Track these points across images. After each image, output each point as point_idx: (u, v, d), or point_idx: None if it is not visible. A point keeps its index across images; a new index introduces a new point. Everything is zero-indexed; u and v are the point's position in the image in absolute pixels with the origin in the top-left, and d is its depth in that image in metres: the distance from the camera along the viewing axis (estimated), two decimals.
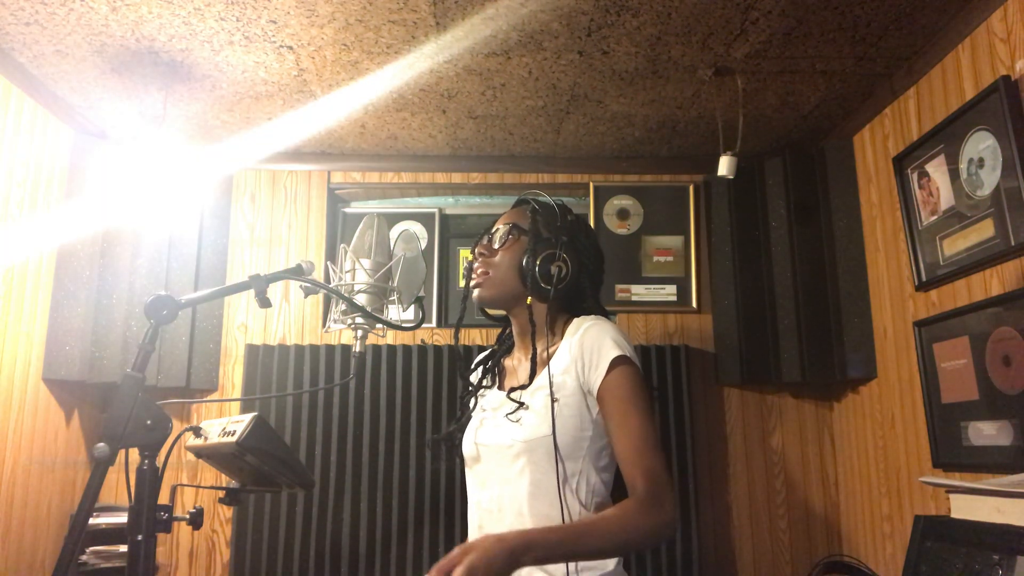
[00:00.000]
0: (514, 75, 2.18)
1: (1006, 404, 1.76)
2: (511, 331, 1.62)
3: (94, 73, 2.16)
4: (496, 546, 1.10)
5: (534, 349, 1.49)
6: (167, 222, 2.53)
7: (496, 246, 1.53)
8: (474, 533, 1.47)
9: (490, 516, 1.44)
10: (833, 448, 2.65)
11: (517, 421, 1.41)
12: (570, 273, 1.47)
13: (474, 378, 1.66)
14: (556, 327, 1.51)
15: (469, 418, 1.58)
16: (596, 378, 1.36)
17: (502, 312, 1.61)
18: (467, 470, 1.54)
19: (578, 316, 1.50)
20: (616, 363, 1.36)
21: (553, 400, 1.37)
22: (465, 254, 2.83)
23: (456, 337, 1.67)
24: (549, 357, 1.47)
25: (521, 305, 1.52)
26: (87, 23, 1.91)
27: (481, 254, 1.54)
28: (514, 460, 1.39)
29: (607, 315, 1.54)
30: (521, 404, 1.42)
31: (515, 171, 2.81)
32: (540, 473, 1.37)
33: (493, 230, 1.57)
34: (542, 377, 1.43)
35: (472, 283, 1.54)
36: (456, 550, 1.09)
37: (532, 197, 1.59)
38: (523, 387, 1.45)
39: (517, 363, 1.57)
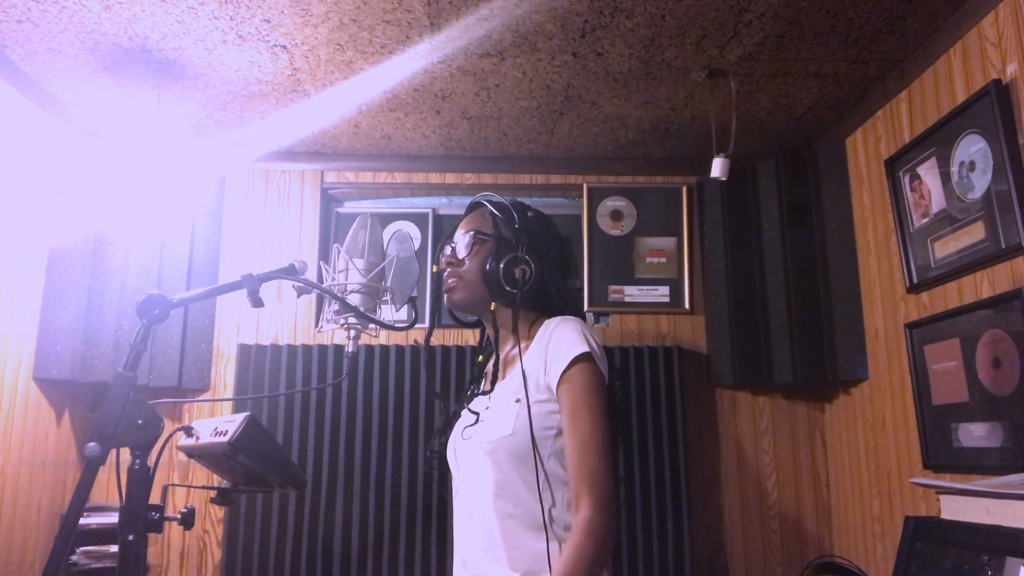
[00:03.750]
0: (508, 76, 2.18)
1: (996, 406, 1.77)
2: (489, 337, 1.63)
3: (86, 71, 2.15)
4: None
5: (497, 353, 1.52)
6: (159, 221, 2.52)
7: (462, 255, 1.53)
8: (456, 537, 1.49)
9: (468, 519, 1.45)
10: (825, 449, 2.66)
11: (475, 424, 1.43)
12: (533, 274, 1.47)
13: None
14: (525, 328, 1.52)
15: (455, 416, 1.59)
16: (556, 373, 1.37)
17: (474, 318, 1.63)
18: (452, 475, 1.55)
19: (548, 315, 1.50)
20: (578, 360, 1.36)
21: (517, 401, 1.38)
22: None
23: (426, 350, 1.70)
24: (513, 359, 1.48)
25: (490, 309, 1.53)
26: (79, 21, 1.90)
27: (450, 263, 1.54)
28: (480, 462, 1.40)
29: (578, 311, 1.54)
30: (483, 408, 1.44)
31: (509, 172, 2.82)
32: (502, 474, 1.37)
33: (455, 239, 1.57)
34: (507, 379, 1.45)
35: (444, 288, 1.55)
36: None
37: (487, 199, 1.59)
38: (488, 392, 1.47)
39: (491, 367, 1.59)
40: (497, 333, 1.53)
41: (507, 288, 1.46)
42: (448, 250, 1.57)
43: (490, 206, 1.57)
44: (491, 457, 1.38)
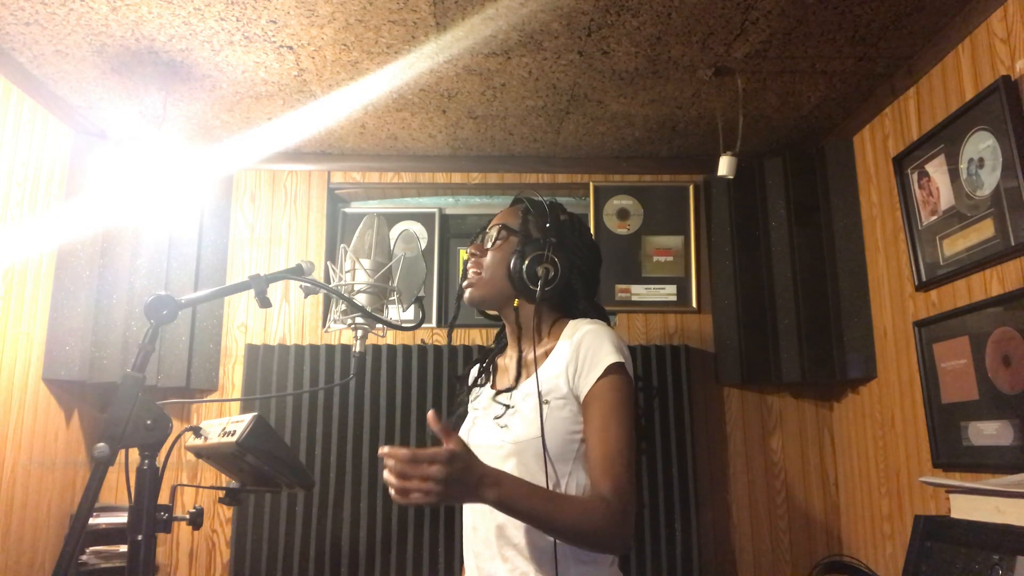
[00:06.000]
0: (514, 75, 2.18)
1: (1006, 404, 1.76)
2: (506, 333, 1.63)
3: (94, 73, 2.16)
4: (472, 471, 1.17)
5: (520, 351, 1.50)
6: (167, 222, 2.53)
7: (487, 247, 1.54)
8: (469, 533, 1.48)
9: (483, 516, 1.44)
10: (833, 448, 2.65)
11: (504, 426, 1.41)
12: (559, 274, 1.47)
13: (473, 375, 1.66)
14: (546, 328, 1.51)
15: (463, 416, 1.58)
16: (587, 383, 1.36)
17: (494, 313, 1.62)
18: None
19: (572, 317, 1.50)
20: (610, 370, 1.36)
21: (542, 403, 1.37)
22: (465, 255, 2.84)
23: (449, 336, 1.70)
24: (537, 359, 1.47)
25: (510, 306, 1.53)
26: (87, 23, 1.91)
27: (473, 254, 1.55)
28: (504, 461, 1.39)
29: (605, 316, 1.54)
30: (507, 407, 1.42)
31: (515, 171, 2.81)
32: (529, 475, 1.36)
33: (487, 230, 1.58)
34: (531, 379, 1.43)
35: (464, 283, 1.55)
36: (443, 452, 1.15)
37: (527, 197, 1.59)
38: (510, 389, 1.46)
39: (509, 361, 1.57)
40: (520, 331, 1.51)
41: (529, 286, 1.46)
42: (478, 239, 1.57)
43: (526, 203, 1.56)
44: (517, 457, 1.37)
